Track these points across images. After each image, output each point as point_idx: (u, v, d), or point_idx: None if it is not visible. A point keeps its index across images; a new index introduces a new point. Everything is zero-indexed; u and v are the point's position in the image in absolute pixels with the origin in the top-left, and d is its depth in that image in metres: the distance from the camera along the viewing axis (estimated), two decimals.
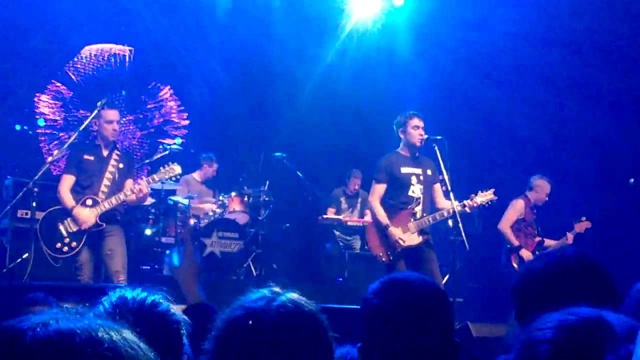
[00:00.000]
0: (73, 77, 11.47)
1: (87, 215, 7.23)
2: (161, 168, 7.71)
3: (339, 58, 12.11)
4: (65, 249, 7.25)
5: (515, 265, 9.28)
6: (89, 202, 7.31)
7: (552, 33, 10.64)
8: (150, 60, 12.08)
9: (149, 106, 11.99)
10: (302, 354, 1.93)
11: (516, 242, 9.32)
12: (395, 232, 7.60)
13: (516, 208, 9.43)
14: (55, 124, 11.22)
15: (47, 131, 11.09)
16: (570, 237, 9.42)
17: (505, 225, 9.36)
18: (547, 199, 9.51)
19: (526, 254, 9.29)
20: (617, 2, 9.86)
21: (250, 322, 1.94)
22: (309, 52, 12.14)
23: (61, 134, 11.08)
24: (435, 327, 2.29)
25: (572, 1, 10.35)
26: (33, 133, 10.69)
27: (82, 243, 7.27)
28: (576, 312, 1.51)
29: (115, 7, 11.26)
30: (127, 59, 11.84)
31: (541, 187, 9.47)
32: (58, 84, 11.37)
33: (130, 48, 11.81)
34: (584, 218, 9.45)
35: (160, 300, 2.42)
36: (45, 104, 11.19)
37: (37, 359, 1.09)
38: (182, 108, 12.19)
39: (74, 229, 7.25)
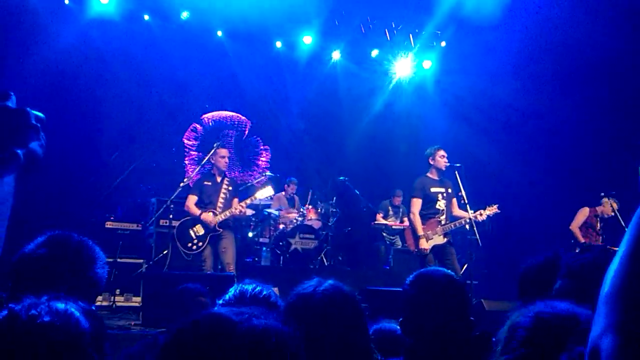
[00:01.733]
0: (199, 127, 11.81)
1: (211, 219, 7.55)
2: (259, 188, 8.04)
3: (384, 106, 12.26)
4: (194, 247, 7.52)
5: None
6: (210, 214, 7.60)
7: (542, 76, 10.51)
8: (252, 113, 12.25)
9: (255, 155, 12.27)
10: (340, 323, 1.95)
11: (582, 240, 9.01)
12: (422, 242, 7.74)
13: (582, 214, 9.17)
14: (190, 159, 11.55)
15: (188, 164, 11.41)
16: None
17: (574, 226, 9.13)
18: (612, 213, 8.98)
19: None
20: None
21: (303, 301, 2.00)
22: (363, 102, 12.29)
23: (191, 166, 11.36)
24: (454, 310, 2.32)
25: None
26: (167, 166, 10.90)
27: (206, 243, 7.52)
28: (554, 306, 1.46)
29: (224, 72, 11.51)
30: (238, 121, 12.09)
31: (607, 204, 9.04)
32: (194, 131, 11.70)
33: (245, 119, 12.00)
34: None
35: (269, 292, 2.47)
36: (189, 144, 11.59)
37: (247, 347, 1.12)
38: (269, 155, 12.32)
39: (201, 233, 7.54)
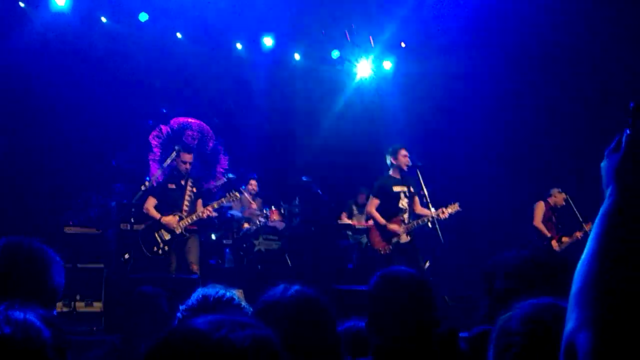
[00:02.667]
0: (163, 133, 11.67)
1: (175, 223, 7.42)
2: (227, 194, 7.99)
3: (346, 107, 12.27)
4: (160, 251, 7.47)
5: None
6: (176, 218, 7.53)
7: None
8: (214, 114, 12.17)
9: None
10: (309, 329, 1.94)
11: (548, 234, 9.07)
12: (393, 226, 7.80)
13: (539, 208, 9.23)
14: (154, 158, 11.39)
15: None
16: (579, 234, 8.84)
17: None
18: (564, 203, 9.16)
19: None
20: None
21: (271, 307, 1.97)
22: (325, 103, 12.29)
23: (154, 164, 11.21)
24: (418, 307, 2.33)
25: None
26: (127, 168, 10.69)
27: (172, 246, 7.49)
28: (539, 305, 1.43)
29: (185, 74, 11.37)
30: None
31: (556, 196, 9.21)
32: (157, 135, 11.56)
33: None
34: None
35: (231, 295, 2.46)
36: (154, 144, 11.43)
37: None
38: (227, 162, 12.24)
39: (167, 237, 7.45)
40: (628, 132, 1.08)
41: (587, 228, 8.64)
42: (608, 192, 1.06)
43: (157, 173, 9.30)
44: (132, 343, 4.33)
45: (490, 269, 2.54)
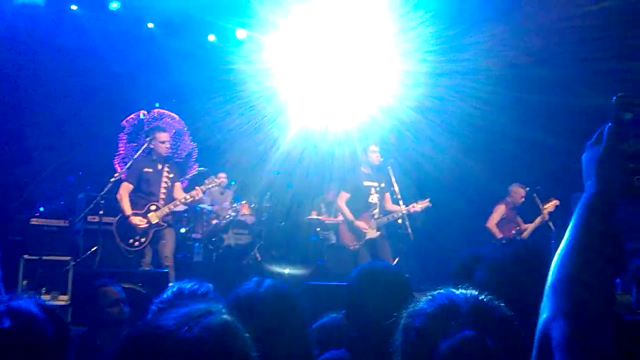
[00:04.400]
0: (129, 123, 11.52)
1: (147, 219, 7.20)
2: (205, 180, 7.69)
3: None
4: (137, 243, 7.22)
5: None
6: (153, 207, 7.27)
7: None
8: (184, 106, 12.04)
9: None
10: (283, 320, 1.99)
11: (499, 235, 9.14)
12: (360, 224, 7.84)
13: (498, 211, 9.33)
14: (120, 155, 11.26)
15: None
16: (539, 219, 8.99)
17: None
18: (523, 199, 9.28)
19: None
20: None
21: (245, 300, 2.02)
22: None
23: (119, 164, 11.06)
24: (397, 302, 2.17)
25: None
26: (98, 160, 10.56)
27: (149, 238, 7.24)
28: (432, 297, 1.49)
29: (156, 65, 11.23)
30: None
31: (516, 192, 9.31)
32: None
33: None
34: (551, 198, 8.96)
35: (207, 289, 2.48)
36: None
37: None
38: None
39: (144, 226, 7.18)
40: (610, 124, 1.10)
41: (544, 213, 8.90)
42: (588, 184, 1.08)
43: (122, 168, 9.12)
44: (92, 337, 4.29)
45: (470, 260, 2.53)
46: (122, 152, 11.24)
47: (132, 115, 11.43)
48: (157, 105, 11.67)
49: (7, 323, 1.26)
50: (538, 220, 9.02)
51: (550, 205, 8.90)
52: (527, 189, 9.25)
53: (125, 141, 11.33)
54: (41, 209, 8.96)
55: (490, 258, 2.33)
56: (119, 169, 10.81)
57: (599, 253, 1.01)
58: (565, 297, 0.98)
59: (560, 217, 8.75)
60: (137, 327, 1.15)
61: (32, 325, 1.29)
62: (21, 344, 1.26)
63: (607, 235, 1.02)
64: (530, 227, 9.12)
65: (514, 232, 9.19)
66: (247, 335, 1.23)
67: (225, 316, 1.21)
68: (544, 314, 1.01)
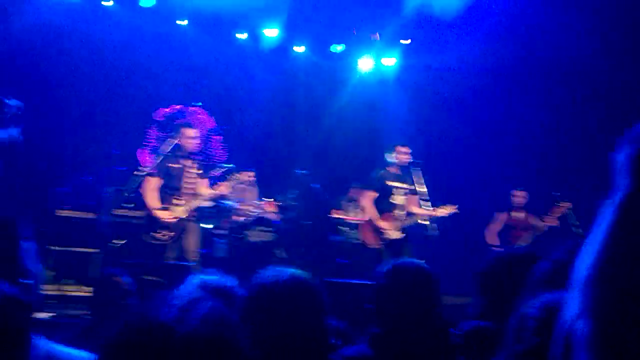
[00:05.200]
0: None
1: (173, 214, 7.24)
2: (231, 177, 7.76)
3: (347, 102, 12.26)
4: (162, 237, 7.27)
5: None
6: (179, 202, 7.32)
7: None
8: (214, 103, 12.06)
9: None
10: (303, 310, 1.98)
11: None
12: (383, 224, 7.82)
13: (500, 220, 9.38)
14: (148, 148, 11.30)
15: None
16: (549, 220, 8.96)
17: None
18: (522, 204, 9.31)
19: None
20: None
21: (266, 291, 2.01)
22: (326, 97, 12.26)
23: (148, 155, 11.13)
24: (425, 301, 2.38)
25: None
26: (126, 154, 10.53)
27: (174, 233, 7.28)
28: (559, 297, 1.45)
29: (187, 61, 11.35)
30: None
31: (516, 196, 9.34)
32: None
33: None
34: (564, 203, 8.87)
35: (229, 283, 2.43)
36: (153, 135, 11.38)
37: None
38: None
39: (172, 221, 7.23)
40: None
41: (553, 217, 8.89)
42: (622, 182, 1.06)
43: (151, 160, 9.18)
44: (100, 326, 4.32)
45: (487, 269, 2.57)
46: (150, 144, 11.33)
47: (164, 110, 11.52)
48: (199, 104, 11.75)
49: None
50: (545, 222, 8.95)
51: (561, 209, 8.87)
52: (524, 192, 9.31)
53: (154, 134, 11.42)
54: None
55: (506, 267, 2.38)
56: (146, 160, 10.92)
57: (631, 253, 0.98)
58: (593, 296, 0.97)
59: (583, 222, 8.63)
60: (134, 320, 1.14)
61: None
62: None
63: None
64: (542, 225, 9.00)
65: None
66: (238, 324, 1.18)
67: (214, 304, 1.19)
68: (569, 312, 1.01)
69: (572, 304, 1.01)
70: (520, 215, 9.41)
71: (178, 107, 11.68)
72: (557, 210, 8.90)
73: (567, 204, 8.84)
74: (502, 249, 9.16)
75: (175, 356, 1.04)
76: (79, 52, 10.16)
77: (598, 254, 1.01)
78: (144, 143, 11.28)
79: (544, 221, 9.01)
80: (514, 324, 1.55)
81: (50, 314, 5.89)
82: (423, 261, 7.87)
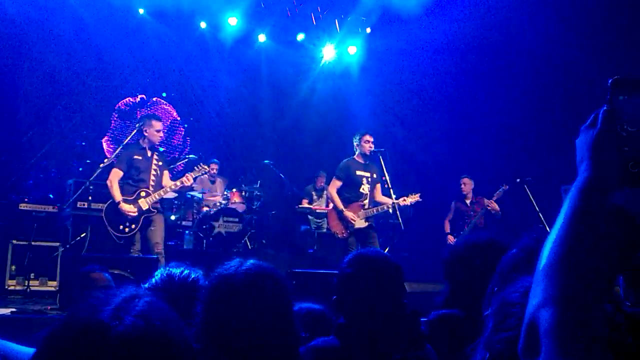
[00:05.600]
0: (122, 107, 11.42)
1: (137, 205, 7.12)
2: (195, 167, 7.59)
3: (310, 91, 12.27)
4: (127, 230, 7.11)
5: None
6: (143, 193, 7.18)
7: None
8: (175, 94, 11.96)
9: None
10: (265, 302, 1.94)
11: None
12: (349, 214, 7.81)
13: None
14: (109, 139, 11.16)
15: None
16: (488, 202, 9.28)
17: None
18: (471, 190, 9.63)
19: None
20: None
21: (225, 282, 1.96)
22: (289, 86, 12.26)
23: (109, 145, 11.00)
24: (389, 290, 2.33)
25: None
26: (88, 146, 10.36)
27: (139, 225, 7.14)
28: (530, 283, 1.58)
29: (146, 51, 11.20)
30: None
31: (466, 184, 9.64)
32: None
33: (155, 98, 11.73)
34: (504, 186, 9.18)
35: (196, 275, 2.49)
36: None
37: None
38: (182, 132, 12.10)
39: (134, 214, 7.10)
40: (605, 107, 1.08)
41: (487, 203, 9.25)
42: (582, 167, 1.06)
43: (114, 150, 9.02)
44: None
45: (452, 256, 2.58)
46: (113, 133, 11.18)
47: (128, 99, 11.37)
48: (163, 94, 11.63)
49: None
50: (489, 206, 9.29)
51: (498, 193, 9.25)
52: (469, 179, 9.61)
53: (117, 123, 11.27)
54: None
55: (471, 254, 2.36)
56: (106, 147, 10.77)
57: (591, 238, 0.98)
58: (556, 283, 0.96)
59: (550, 209, 8.77)
60: (67, 319, 1.08)
61: None
62: None
63: (600, 220, 0.99)
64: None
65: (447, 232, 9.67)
66: (176, 319, 1.15)
67: (152, 299, 1.14)
68: (533, 300, 0.99)
69: (536, 291, 0.99)
70: (468, 201, 9.70)
71: (141, 96, 11.54)
72: (497, 192, 9.27)
73: (505, 186, 9.18)
74: (457, 237, 9.41)
75: (110, 355, 1.00)
76: (41, 45, 9.99)
77: (559, 240, 1.00)
78: (107, 133, 11.13)
79: (488, 206, 9.31)
80: (495, 310, 1.48)
81: (12, 310, 5.77)
82: (387, 249, 7.96)
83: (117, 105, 11.28)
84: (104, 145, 11.00)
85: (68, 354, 1.01)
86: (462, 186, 9.68)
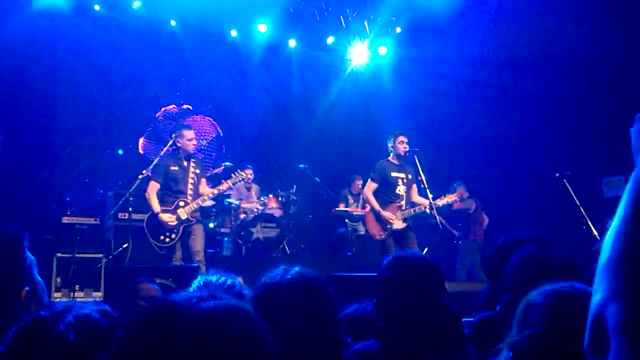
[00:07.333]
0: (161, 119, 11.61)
1: (177, 215, 7.18)
2: (232, 174, 7.58)
3: (342, 93, 12.27)
4: (167, 240, 7.16)
5: None
6: (182, 203, 7.23)
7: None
8: (209, 102, 12.12)
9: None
10: (310, 310, 1.96)
11: None
12: (387, 214, 7.79)
13: None
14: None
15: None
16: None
17: None
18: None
19: None
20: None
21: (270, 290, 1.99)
22: (321, 89, 12.29)
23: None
24: (429, 292, 2.30)
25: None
26: (128, 157, 10.64)
27: (179, 234, 7.18)
28: (569, 284, 1.52)
29: (179, 62, 11.36)
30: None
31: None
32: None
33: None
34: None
35: (233, 281, 2.50)
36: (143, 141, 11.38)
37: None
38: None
39: (173, 223, 7.17)
40: None
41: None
42: (639, 158, 1.02)
43: (148, 145, 9.13)
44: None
45: (496, 255, 2.53)
46: (150, 131, 11.35)
47: (165, 108, 11.54)
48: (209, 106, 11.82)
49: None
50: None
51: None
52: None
53: (158, 122, 11.45)
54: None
55: (516, 253, 2.27)
56: (141, 142, 10.91)
57: None
58: (620, 278, 0.93)
59: (591, 203, 8.60)
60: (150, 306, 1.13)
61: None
62: None
63: None
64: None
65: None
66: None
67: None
68: (597, 296, 0.96)
69: (600, 287, 0.96)
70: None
71: (172, 107, 11.70)
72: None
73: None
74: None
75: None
76: (76, 61, 10.19)
77: (620, 233, 0.96)
78: (143, 140, 11.31)
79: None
80: (520, 310, 1.54)
81: None
82: (425, 250, 7.90)
83: (163, 110, 11.42)
84: (140, 141, 11.16)
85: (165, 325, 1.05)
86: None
